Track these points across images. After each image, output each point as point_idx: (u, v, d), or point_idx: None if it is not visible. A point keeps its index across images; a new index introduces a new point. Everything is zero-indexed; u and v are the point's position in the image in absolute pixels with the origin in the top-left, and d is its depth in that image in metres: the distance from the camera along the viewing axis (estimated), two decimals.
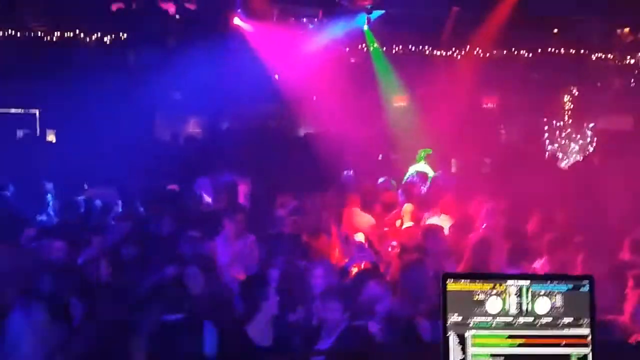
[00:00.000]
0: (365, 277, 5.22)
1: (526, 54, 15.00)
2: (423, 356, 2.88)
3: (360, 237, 7.21)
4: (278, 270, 5.26)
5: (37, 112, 13.74)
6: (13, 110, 13.58)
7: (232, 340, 4.26)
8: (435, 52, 14.77)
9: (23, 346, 4.01)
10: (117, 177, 9.02)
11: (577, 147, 15.80)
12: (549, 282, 2.39)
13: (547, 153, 15.02)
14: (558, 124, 15.88)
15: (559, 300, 2.38)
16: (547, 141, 15.70)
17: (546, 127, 15.74)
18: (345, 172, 10.00)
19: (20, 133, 13.20)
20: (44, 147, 12.55)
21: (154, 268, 5.49)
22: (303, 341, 4.54)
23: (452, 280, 2.37)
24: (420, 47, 14.58)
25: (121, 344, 4.06)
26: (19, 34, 12.55)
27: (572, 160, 15.04)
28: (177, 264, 5.35)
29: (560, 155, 15.27)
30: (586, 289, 2.39)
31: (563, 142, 15.87)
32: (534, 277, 2.40)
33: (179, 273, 5.19)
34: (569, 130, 16.00)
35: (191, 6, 12.65)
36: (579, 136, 15.85)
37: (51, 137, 13.66)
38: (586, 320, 2.37)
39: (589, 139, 15.70)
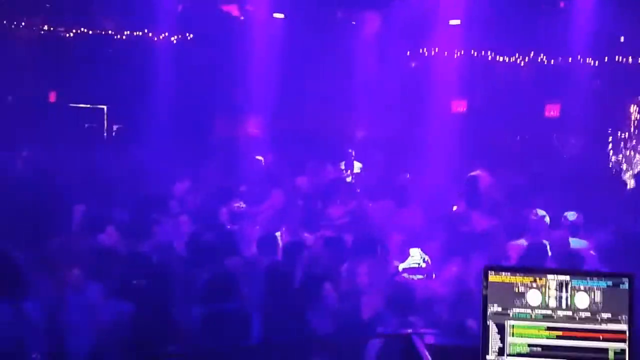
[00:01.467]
0: None
1: (592, 62, 14.72)
2: None
3: None
4: None
5: (105, 107, 14.32)
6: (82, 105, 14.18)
7: None
8: (497, 57, 14.67)
9: None
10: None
11: None
12: (588, 278, 2.45)
13: (611, 164, 14.70)
14: (623, 135, 15.50)
15: (598, 296, 2.43)
16: (611, 152, 15.34)
17: (610, 138, 15.39)
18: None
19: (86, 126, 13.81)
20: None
21: None
22: None
23: (493, 272, 2.45)
24: (483, 51, 14.51)
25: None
26: (90, 32, 13.13)
27: (636, 171, 14.65)
28: None
29: (624, 166, 14.92)
30: (625, 286, 2.44)
31: (628, 153, 15.48)
32: (574, 273, 2.46)
33: None
34: (634, 142, 15.59)
35: (250, 7, 13.01)
36: None
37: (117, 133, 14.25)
38: (624, 317, 2.42)
39: None
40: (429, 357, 2.49)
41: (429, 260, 6.17)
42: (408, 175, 10.63)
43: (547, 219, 7.73)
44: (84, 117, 14.18)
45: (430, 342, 2.66)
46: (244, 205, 8.14)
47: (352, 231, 7.18)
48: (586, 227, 7.87)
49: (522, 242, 6.86)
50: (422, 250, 6.26)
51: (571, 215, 7.88)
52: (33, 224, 6.21)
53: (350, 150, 11.94)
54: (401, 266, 6.09)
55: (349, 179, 11.36)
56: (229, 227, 7.39)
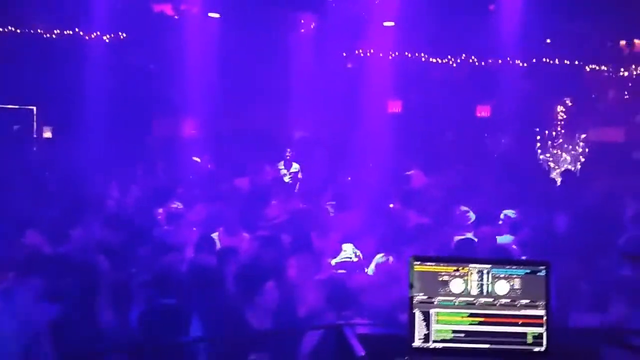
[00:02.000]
0: None
1: (521, 64, 15.23)
2: None
3: None
4: None
5: (34, 108, 13.95)
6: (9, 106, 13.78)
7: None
8: (431, 59, 15.03)
9: None
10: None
11: (569, 158, 16.00)
12: (507, 266, 2.58)
13: (539, 162, 15.23)
14: (551, 134, 16.09)
15: (517, 283, 2.57)
16: (539, 151, 15.91)
17: (538, 137, 15.96)
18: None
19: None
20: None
21: None
22: None
23: (419, 262, 2.55)
24: (417, 53, 14.82)
25: None
26: (19, 31, 12.78)
27: (563, 168, 15.23)
28: None
29: (552, 164, 15.49)
30: (543, 273, 2.58)
31: (555, 151, 16.07)
32: (494, 262, 2.59)
33: None
34: (561, 140, 16.21)
35: (184, 7, 12.92)
36: (570, 147, 16.06)
37: (47, 134, 13.90)
38: (542, 303, 2.56)
39: (580, 150, 15.91)
40: (360, 346, 2.57)
41: (361, 255, 6.29)
42: (349, 178, 10.76)
43: (471, 215, 7.98)
44: (11, 119, 13.78)
45: (362, 332, 2.74)
46: (181, 206, 8.09)
47: (289, 230, 7.25)
48: (515, 223, 8.17)
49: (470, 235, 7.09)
50: (355, 246, 6.37)
51: (511, 213, 8.16)
52: None
53: (288, 151, 12.01)
54: (333, 261, 6.19)
55: (287, 179, 11.42)
56: (165, 227, 7.34)
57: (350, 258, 6.35)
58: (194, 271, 5.49)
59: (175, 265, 5.77)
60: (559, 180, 12.82)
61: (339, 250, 6.57)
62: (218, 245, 6.91)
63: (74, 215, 6.99)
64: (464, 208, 8.21)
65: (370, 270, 6.19)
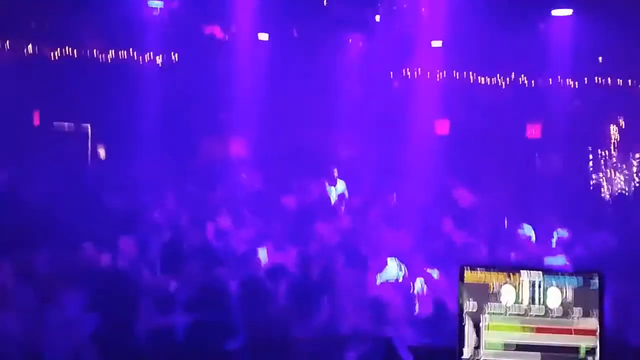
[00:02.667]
0: None
1: (572, 83, 14.98)
2: None
3: None
4: None
5: (89, 126, 14.33)
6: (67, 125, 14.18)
7: None
8: (479, 78, 14.91)
9: None
10: None
11: (622, 178, 15.61)
12: (560, 275, 2.52)
13: (592, 182, 14.91)
14: (603, 154, 15.74)
15: (569, 294, 2.51)
16: (592, 170, 15.57)
17: (591, 157, 15.62)
18: None
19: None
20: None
21: None
22: None
23: (468, 270, 2.52)
24: (465, 73, 14.73)
25: None
26: (75, 53, 13.20)
27: (617, 189, 14.86)
28: None
29: (605, 185, 15.13)
30: (596, 284, 2.52)
31: (608, 172, 15.71)
32: (547, 271, 2.54)
33: None
34: (614, 161, 15.84)
35: (234, 29, 13.15)
36: (624, 166, 15.67)
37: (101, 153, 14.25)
38: (595, 314, 2.49)
39: (635, 170, 15.51)
40: (410, 357, 2.55)
41: (406, 271, 6.26)
42: (395, 196, 10.73)
43: (531, 236, 7.87)
44: (67, 138, 14.17)
45: (411, 344, 2.71)
46: (229, 222, 8.20)
47: (339, 249, 7.27)
48: (567, 243, 8.01)
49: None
50: (400, 261, 6.35)
51: (564, 233, 8.03)
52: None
53: (334, 170, 12.04)
54: (378, 279, 6.16)
55: (333, 198, 11.44)
56: (215, 242, 7.44)
57: (395, 278, 6.33)
58: (242, 286, 5.55)
59: (223, 281, 5.84)
60: (611, 200, 12.53)
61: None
62: (265, 261, 6.98)
63: (127, 231, 7.15)
64: (522, 230, 8.10)
65: (417, 289, 6.14)
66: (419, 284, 6.09)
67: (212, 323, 4.61)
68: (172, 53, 13.37)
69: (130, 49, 13.27)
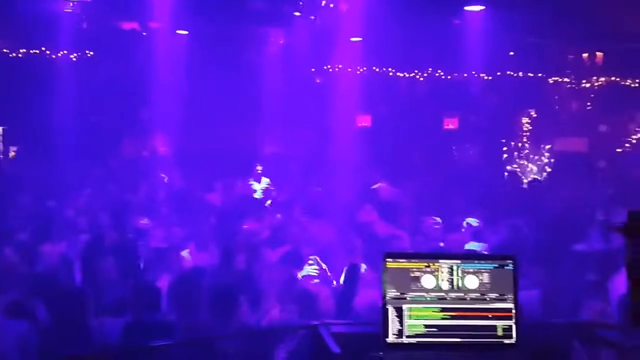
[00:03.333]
0: None
1: (486, 77, 15.53)
2: None
3: None
4: None
5: (1, 128, 13.79)
6: None
7: None
8: (398, 73, 15.25)
9: None
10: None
11: (535, 168, 16.31)
12: (476, 261, 2.66)
13: (506, 173, 15.51)
14: (517, 145, 16.39)
15: (486, 278, 2.65)
16: (506, 160, 16.19)
17: (505, 148, 16.24)
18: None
19: None
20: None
21: None
22: None
23: (390, 259, 2.62)
24: (384, 68, 15.04)
25: None
26: None
27: (529, 178, 15.52)
28: None
29: (518, 173, 15.77)
30: (510, 267, 2.66)
31: (521, 162, 16.37)
32: (464, 257, 2.66)
33: None
34: (527, 151, 16.52)
35: (153, 24, 12.93)
36: (536, 157, 16.38)
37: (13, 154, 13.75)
38: (510, 296, 2.64)
39: (546, 160, 16.23)
40: (335, 345, 2.62)
41: (326, 268, 6.38)
42: (319, 189, 10.84)
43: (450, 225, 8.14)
44: None
45: (336, 331, 2.79)
46: (147, 222, 8.08)
47: (265, 245, 7.30)
48: (483, 230, 8.34)
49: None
50: (327, 256, 6.45)
51: (473, 222, 8.34)
52: None
53: (258, 167, 12.04)
54: (300, 274, 6.25)
55: (258, 195, 11.45)
56: (136, 242, 7.32)
57: (314, 273, 6.45)
58: (169, 286, 5.51)
59: (149, 281, 5.78)
60: (525, 188, 13.08)
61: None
62: (188, 260, 6.95)
63: (43, 234, 6.95)
64: (436, 218, 8.36)
65: (342, 280, 6.26)
66: (343, 276, 6.21)
67: (140, 323, 4.57)
68: (87, 51, 13.00)
69: (43, 48, 12.83)
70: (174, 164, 12.13)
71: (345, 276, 6.05)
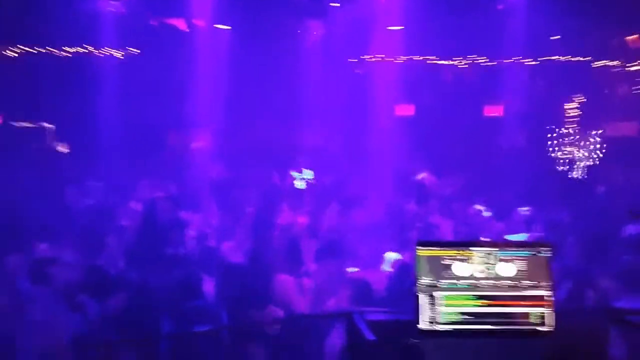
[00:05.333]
0: None
1: (530, 62, 15.24)
2: None
3: None
4: None
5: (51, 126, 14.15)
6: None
7: None
8: (440, 61, 15.07)
9: None
10: None
11: (584, 154, 15.94)
12: (511, 248, 2.65)
13: (552, 158, 15.22)
14: (564, 131, 16.05)
15: (521, 265, 2.63)
16: (552, 147, 15.88)
17: (550, 135, 15.92)
18: None
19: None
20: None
21: None
22: None
23: (422, 246, 2.63)
24: (425, 56, 14.88)
25: None
26: (33, 50, 13.02)
27: (581, 165, 15.19)
28: None
29: (567, 161, 15.45)
30: (546, 254, 2.64)
31: (569, 148, 16.03)
32: (498, 244, 2.65)
33: None
34: (576, 137, 16.16)
35: (196, 20, 13.10)
36: (585, 143, 16.00)
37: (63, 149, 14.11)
38: (545, 283, 2.62)
39: (597, 146, 15.85)
40: (370, 332, 2.65)
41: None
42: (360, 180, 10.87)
43: (486, 213, 8.06)
44: (29, 137, 13.99)
45: (371, 319, 2.82)
46: (193, 215, 8.25)
47: (307, 235, 7.36)
48: (528, 219, 8.23)
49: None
50: (370, 243, 6.48)
51: (523, 210, 8.24)
52: None
53: (300, 159, 12.12)
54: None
55: (300, 185, 11.53)
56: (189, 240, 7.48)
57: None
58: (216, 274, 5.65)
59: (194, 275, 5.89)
60: (575, 175, 12.83)
61: (356, 254, 6.70)
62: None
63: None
64: (478, 207, 8.29)
65: (386, 267, 6.28)
66: (386, 264, 6.24)
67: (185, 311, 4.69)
68: (133, 48, 13.26)
69: (88, 46, 13.13)
70: (216, 156, 12.31)
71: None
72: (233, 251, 6.97)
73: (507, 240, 6.77)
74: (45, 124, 13.96)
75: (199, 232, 7.73)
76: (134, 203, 8.92)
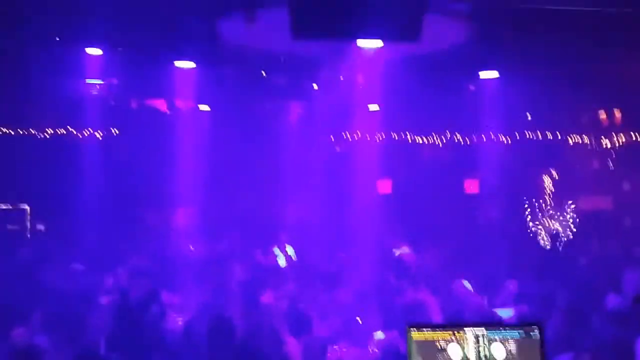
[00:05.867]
0: None
1: (504, 139, 15.63)
2: None
3: None
4: None
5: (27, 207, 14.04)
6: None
7: None
8: (416, 138, 15.44)
9: None
10: None
11: (559, 226, 16.15)
12: (501, 329, 2.67)
13: (529, 232, 15.39)
14: (539, 204, 16.30)
15: (512, 346, 2.65)
16: (529, 220, 16.08)
17: (528, 208, 16.16)
18: None
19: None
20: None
21: None
22: None
23: (415, 329, 2.64)
24: (403, 134, 15.23)
25: None
26: (11, 132, 13.08)
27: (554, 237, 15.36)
28: None
29: (542, 233, 15.62)
30: (536, 334, 2.67)
31: (545, 221, 16.24)
32: (488, 325, 2.68)
33: None
34: (549, 210, 16.41)
35: (176, 101, 13.34)
36: (560, 215, 16.25)
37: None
38: None
39: (570, 219, 16.09)
40: None
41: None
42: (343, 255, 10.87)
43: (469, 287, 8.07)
44: (5, 219, 13.83)
45: None
46: (176, 293, 8.14)
47: (286, 315, 7.28)
48: (512, 293, 8.25)
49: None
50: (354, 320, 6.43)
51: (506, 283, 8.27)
52: None
53: (281, 235, 12.13)
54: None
55: (282, 263, 11.48)
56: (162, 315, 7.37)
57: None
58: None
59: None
60: (547, 246, 12.95)
61: (338, 331, 6.63)
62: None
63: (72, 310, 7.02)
64: (465, 283, 8.29)
65: (373, 347, 6.22)
66: (372, 344, 6.18)
67: None
68: (112, 129, 13.39)
69: (69, 127, 13.25)
70: (197, 233, 12.27)
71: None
72: (217, 331, 6.85)
73: (496, 315, 6.79)
74: (22, 205, 13.85)
75: (179, 311, 7.62)
76: (113, 283, 8.80)
